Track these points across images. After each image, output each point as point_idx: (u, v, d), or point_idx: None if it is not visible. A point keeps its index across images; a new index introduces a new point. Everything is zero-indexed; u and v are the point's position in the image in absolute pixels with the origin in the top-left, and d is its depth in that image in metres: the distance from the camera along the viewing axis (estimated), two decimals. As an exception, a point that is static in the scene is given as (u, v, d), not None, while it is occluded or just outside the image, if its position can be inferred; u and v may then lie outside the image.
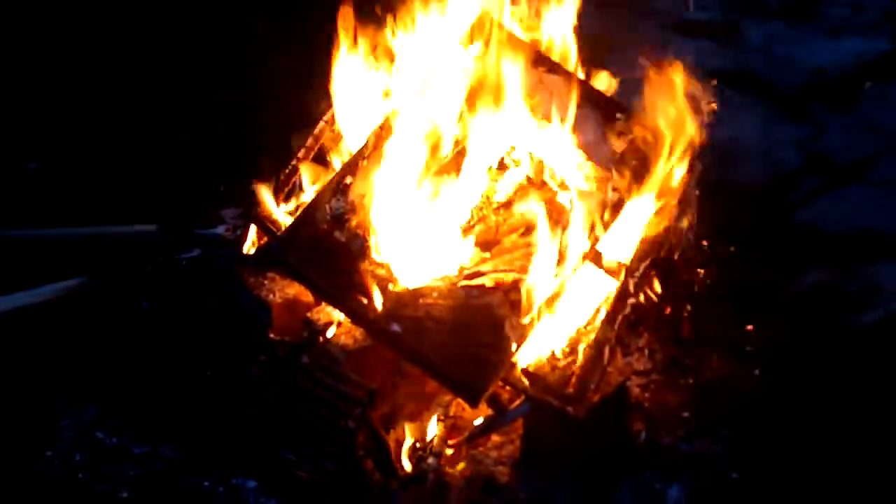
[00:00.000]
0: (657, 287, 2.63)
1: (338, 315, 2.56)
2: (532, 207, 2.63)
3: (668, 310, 2.91)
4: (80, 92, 3.84)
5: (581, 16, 2.78)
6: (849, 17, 4.46)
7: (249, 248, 2.81)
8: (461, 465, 2.57)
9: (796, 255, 3.26)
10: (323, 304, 2.59)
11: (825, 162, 3.66)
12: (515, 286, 2.48)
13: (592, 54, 2.86)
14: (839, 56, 4.21)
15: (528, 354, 2.46)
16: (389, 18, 2.75)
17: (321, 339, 2.53)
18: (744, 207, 3.43)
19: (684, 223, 2.66)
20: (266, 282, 2.69)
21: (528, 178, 2.76)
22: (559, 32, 2.76)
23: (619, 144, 2.59)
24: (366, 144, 2.66)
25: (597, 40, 2.81)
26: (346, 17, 2.75)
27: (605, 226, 2.54)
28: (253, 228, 2.79)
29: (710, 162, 3.39)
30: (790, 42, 4.30)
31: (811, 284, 3.16)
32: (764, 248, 3.27)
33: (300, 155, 2.86)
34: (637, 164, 2.58)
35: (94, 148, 3.57)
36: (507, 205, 2.72)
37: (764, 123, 3.85)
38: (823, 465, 2.64)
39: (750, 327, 3.00)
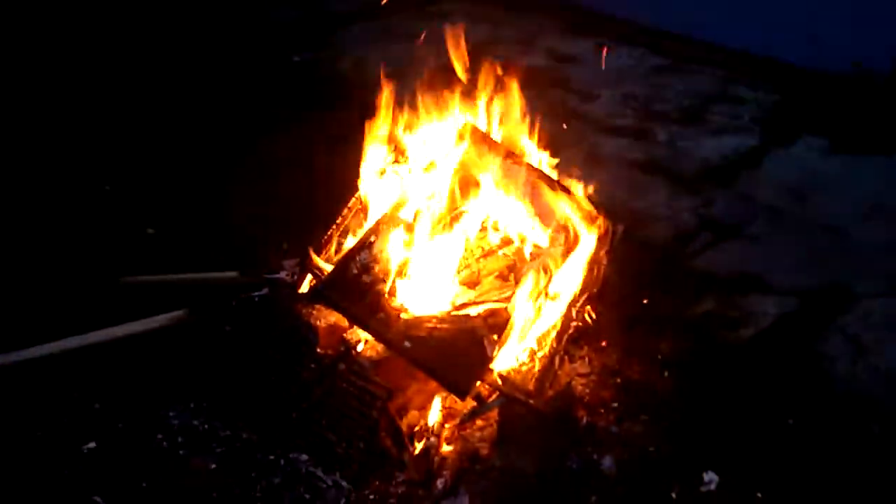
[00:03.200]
0: (592, 314, 2.61)
1: (365, 335, 2.56)
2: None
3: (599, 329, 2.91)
4: (186, 166, 3.85)
5: (536, 123, 2.80)
6: (727, 122, 4.49)
7: (304, 288, 2.81)
8: (454, 443, 2.57)
9: (693, 290, 3.25)
10: (355, 327, 2.60)
11: (713, 223, 3.65)
12: (492, 314, 2.50)
13: (546, 148, 2.89)
14: (721, 149, 4.23)
15: (501, 362, 2.45)
16: (401, 125, 2.78)
17: (353, 352, 2.53)
18: (655, 257, 3.43)
19: (605, 267, 2.66)
20: (314, 312, 2.69)
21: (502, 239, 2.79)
22: (519, 136, 2.78)
23: (563, 215, 2.60)
24: (385, 214, 2.68)
25: (548, 139, 2.83)
26: (370, 127, 2.79)
27: (555, 270, 2.55)
28: (308, 277, 2.79)
29: (629, 224, 3.43)
30: (686, 139, 4.33)
31: (704, 311, 3.14)
32: (670, 286, 3.26)
33: (338, 221, 2.88)
34: (575, 230, 2.59)
35: (198, 217, 3.59)
36: (486, 255, 2.73)
37: (669, 196, 3.84)
38: (716, 438, 2.64)
39: (661, 341, 3.00)
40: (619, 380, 2.82)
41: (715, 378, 2.85)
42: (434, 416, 2.57)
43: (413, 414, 2.61)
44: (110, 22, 5.16)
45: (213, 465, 2.47)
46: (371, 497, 2.41)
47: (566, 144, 3.11)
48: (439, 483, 2.44)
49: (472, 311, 2.52)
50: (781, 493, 2.48)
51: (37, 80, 4.48)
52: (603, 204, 2.62)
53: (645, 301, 3.16)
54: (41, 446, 2.51)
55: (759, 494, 2.47)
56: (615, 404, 2.73)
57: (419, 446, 2.50)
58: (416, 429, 2.56)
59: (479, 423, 2.62)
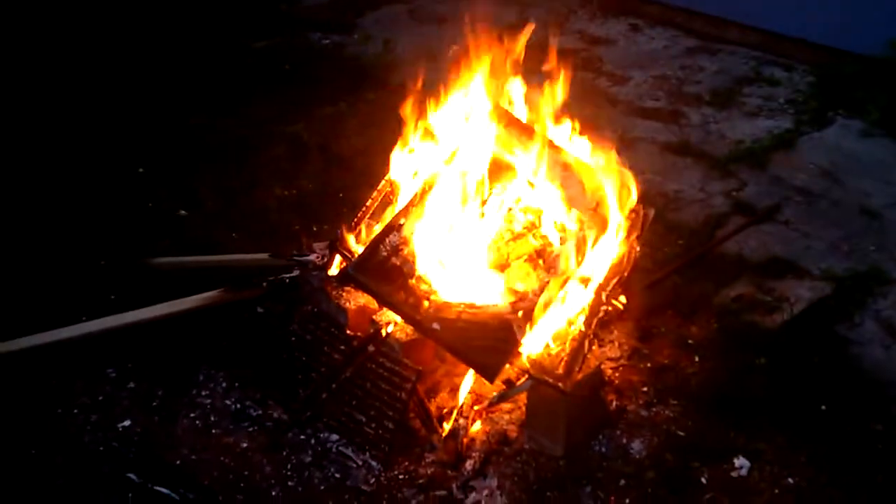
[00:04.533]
0: (622, 298, 2.59)
1: (394, 317, 2.55)
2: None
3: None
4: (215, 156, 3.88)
5: (567, 105, 2.78)
6: (761, 105, 4.42)
7: (333, 270, 2.81)
8: (483, 425, 2.56)
9: (725, 274, 3.20)
10: (384, 309, 2.59)
11: (746, 206, 3.61)
12: (521, 298, 2.49)
13: (577, 131, 2.85)
14: (755, 131, 4.17)
15: (530, 346, 2.43)
16: (431, 106, 2.75)
17: (383, 334, 2.52)
18: (686, 240, 3.39)
19: (636, 251, 2.63)
20: (344, 293, 2.70)
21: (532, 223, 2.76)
22: (552, 117, 2.75)
23: (593, 198, 2.57)
24: (414, 197, 2.67)
25: (580, 120, 2.80)
26: (404, 109, 2.77)
27: (585, 254, 2.52)
28: (338, 259, 2.79)
29: (662, 207, 3.41)
30: (719, 121, 4.27)
31: (736, 296, 3.10)
32: (701, 269, 3.22)
33: (367, 203, 2.86)
34: (605, 212, 2.56)
35: (229, 200, 3.61)
36: (515, 239, 2.70)
37: (701, 179, 3.81)
38: (747, 423, 2.61)
39: (692, 326, 2.96)
40: (648, 364, 2.80)
41: (746, 363, 2.81)
42: (463, 398, 2.57)
43: (442, 396, 2.62)
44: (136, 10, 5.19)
45: (245, 444, 2.50)
46: (400, 477, 2.42)
47: (598, 127, 3.06)
48: (468, 464, 2.45)
49: (501, 293, 2.51)
50: (813, 480, 2.45)
51: (70, 69, 4.52)
52: (635, 187, 2.58)
53: (676, 285, 3.12)
54: (76, 424, 2.55)
55: (791, 480, 2.44)
56: (645, 388, 2.71)
57: (448, 428, 2.50)
58: (445, 411, 2.56)
59: (507, 405, 2.62)
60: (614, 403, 2.65)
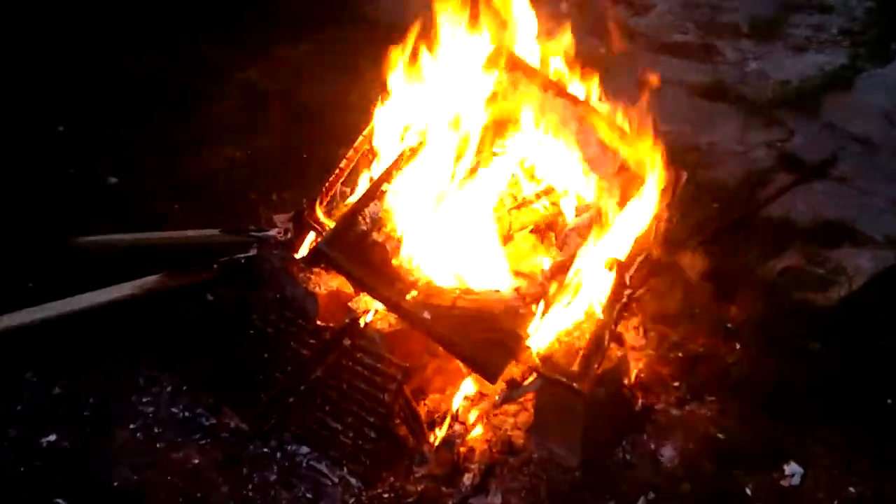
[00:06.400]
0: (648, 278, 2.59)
1: (375, 303, 2.53)
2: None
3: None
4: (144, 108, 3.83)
5: (579, 41, 2.73)
6: (810, 36, 4.41)
7: (301, 248, 2.80)
8: (483, 432, 2.55)
9: (770, 242, 3.21)
10: (362, 294, 2.57)
11: (793, 161, 3.62)
12: (528, 280, 2.46)
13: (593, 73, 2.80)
14: (803, 69, 4.16)
15: (539, 337, 2.42)
16: (421, 50, 2.72)
17: (361, 324, 2.51)
18: (723, 202, 3.38)
19: (669, 222, 2.62)
20: (312, 276, 2.67)
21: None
22: (562, 57, 2.72)
23: (615, 160, 2.54)
24: (400, 157, 2.63)
25: (594, 62, 2.76)
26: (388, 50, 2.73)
27: (606, 227, 2.50)
28: (311, 235, 2.77)
29: (693, 163, 3.39)
30: (760, 58, 4.26)
31: (783, 268, 3.11)
32: (741, 238, 3.22)
33: (342, 165, 2.83)
34: (631, 175, 2.53)
35: (169, 163, 3.57)
36: (520, 207, 2.69)
37: (739, 129, 3.80)
38: (799, 422, 2.60)
39: (731, 306, 2.95)
40: (680, 353, 2.81)
41: (797, 349, 2.81)
42: (458, 399, 2.56)
43: (433, 398, 2.61)
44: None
45: (196, 460, 2.49)
46: (385, 496, 2.41)
47: (615, 68, 3.04)
48: (466, 479, 2.44)
49: (504, 275, 2.50)
50: (878, 489, 2.45)
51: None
52: (665, 145, 2.55)
53: (711, 257, 3.11)
54: (-8, 440, 2.53)
55: (853, 489, 2.45)
56: (676, 383, 2.71)
57: (441, 435, 2.50)
58: (438, 415, 2.55)
59: (512, 407, 2.61)
60: (640, 402, 2.65)
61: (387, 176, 2.59)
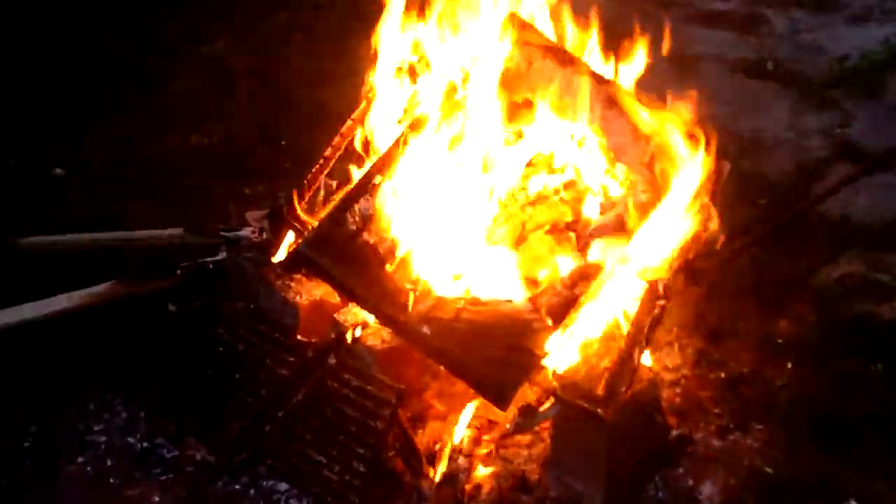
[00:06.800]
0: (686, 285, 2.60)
1: (365, 316, 2.54)
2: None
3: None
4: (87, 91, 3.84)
5: (602, 7, 2.74)
6: (873, 4, 4.41)
7: (279, 251, 2.80)
8: (492, 466, 2.56)
9: (825, 245, 3.23)
10: (350, 305, 2.57)
11: (853, 150, 3.62)
12: (545, 289, 2.46)
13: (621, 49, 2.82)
14: (865, 43, 4.16)
15: (557, 356, 2.43)
16: (421, 20, 2.74)
17: (349, 340, 2.51)
18: (771, 198, 3.40)
19: (713, 224, 2.63)
20: (292, 284, 2.68)
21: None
22: (584, 28, 2.73)
23: (647, 148, 2.54)
24: (395, 144, 2.63)
25: (620, 33, 2.76)
26: (377, 22, 2.75)
27: (635, 228, 2.51)
28: (290, 235, 2.77)
29: (735, 153, 3.39)
30: (815, 30, 4.26)
31: (841, 275, 3.12)
32: (792, 240, 3.24)
33: (327, 154, 2.84)
34: (666, 167, 2.53)
35: (124, 151, 3.57)
36: (535, 202, 2.69)
37: (790, 112, 3.81)
38: (863, 459, 2.60)
39: (780, 320, 2.97)
40: (722, 374, 2.82)
41: (857, 370, 2.82)
42: (463, 428, 2.57)
43: (433, 426, 2.61)
44: None
45: (157, 498, 2.49)
46: (377, 541, 2.43)
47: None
48: (471, 521, 2.45)
49: (517, 283, 2.51)
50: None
51: None
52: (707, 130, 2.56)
53: (757, 262, 3.13)
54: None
55: (926, 533, 2.47)
56: (717, 409, 2.72)
57: (442, 470, 2.50)
58: (438, 446, 2.55)
59: (525, 437, 2.62)
60: (674, 431, 2.66)
61: (380, 166, 2.60)
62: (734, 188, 3.27)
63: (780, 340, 2.92)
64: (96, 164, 3.51)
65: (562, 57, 2.66)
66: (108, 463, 2.56)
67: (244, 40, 4.10)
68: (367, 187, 2.58)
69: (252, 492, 2.49)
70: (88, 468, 2.55)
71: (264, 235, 2.83)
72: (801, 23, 4.29)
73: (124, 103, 3.78)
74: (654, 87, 2.73)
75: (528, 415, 2.48)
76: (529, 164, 2.76)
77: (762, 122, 3.74)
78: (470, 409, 2.58)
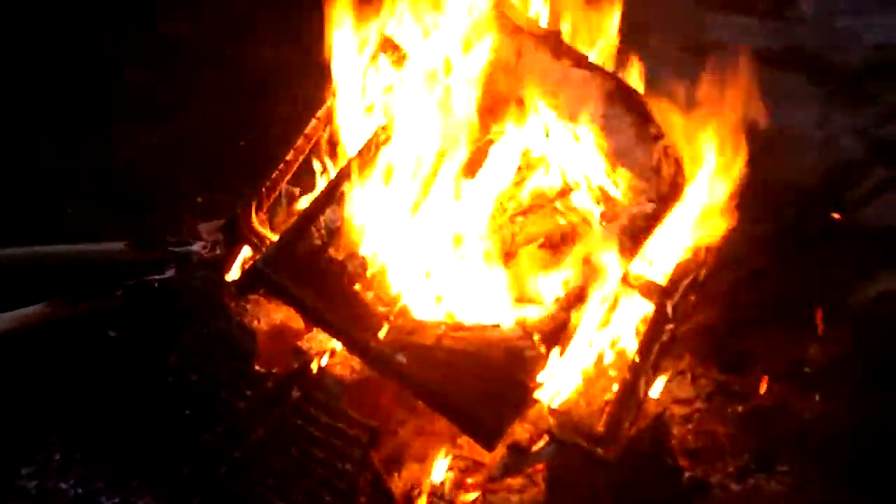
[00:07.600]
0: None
1: (332, 342, 2.54)
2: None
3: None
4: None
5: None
6: (915, -16, 4.43)
7: (233, 269, 2.81)
8: (477, 513, 2.58)
9: (861, 259, 3.24)
10: (315, 330, 2.58)
11: (892, 151, 3.63)
12: (540, 315, 2.48)
13: (624, 36, 2.82)
14: (906, 29, 4.18)
15: (552, 389, 2.44)
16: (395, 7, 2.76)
17: (314, 370, 2.52)
18: (799, 206, 3.41)
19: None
20: (249, 306, 2.69)
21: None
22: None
23: (655, 150, 2.55)
24: (366, 146, 2.65)
25: (629, 19, 2.77)
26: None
27: (639, 243, 2.51)
28: (246, 250, 2.78)
29: (758, 156, 3.39)
30: (848, 15, 4.27)
31: (879, 294, 3.14)
32: (823, 253, 3.26)
33: (289, 157, 2.84)
34: (675, 173, 2.54)
35: (59, 152, 3.58)
36: (524, 213, 2.71)
37: (820, 109, 3.81)
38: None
39: (810, 345, 2.98)
40: (740, 408, 2.83)
41: (897, 403, 2.84)
42: (443, 470, 2.57)
43: (411, 467, 2.60)
44: None
45: (95, 554, 2.50)
46: None
47: (655, 28, 3.05)
48: (455, 577, 2.47)
49: (506, 305, 2.50)
50: None
51: None
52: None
53: (782, 278, 3.14)
54: None
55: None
56: (736, 448, 2.72)
57: (422, 518, 2.51)
58: (416, 491, 2.56)
59: (516, 481, 2.61)
60: (687, 474, 2.65)
61: (348, 172, 2.60)
62: (757, 192, 3.30)
63: (808, 369, 2.93)
64: (31, 164, 3.50)
65: (557, 48, 2.66)
66: (39, 511, 2.56)
67: (202, 22, 4.09)
68: (333, 196, 2.58)
69: (205, 546, 2.50)
70: (16, 518, 2.55)
71: (218, 251, 2.84)
72: (833, 6, 4.30)
73: (64, 92, 3.78)
74: (665, 78, 2.75)
75: (519, 455, 2.50)
76: (520, 170, 2.76)
77: (790, 118, 3.72)
78: (451, 450, 2.58)
